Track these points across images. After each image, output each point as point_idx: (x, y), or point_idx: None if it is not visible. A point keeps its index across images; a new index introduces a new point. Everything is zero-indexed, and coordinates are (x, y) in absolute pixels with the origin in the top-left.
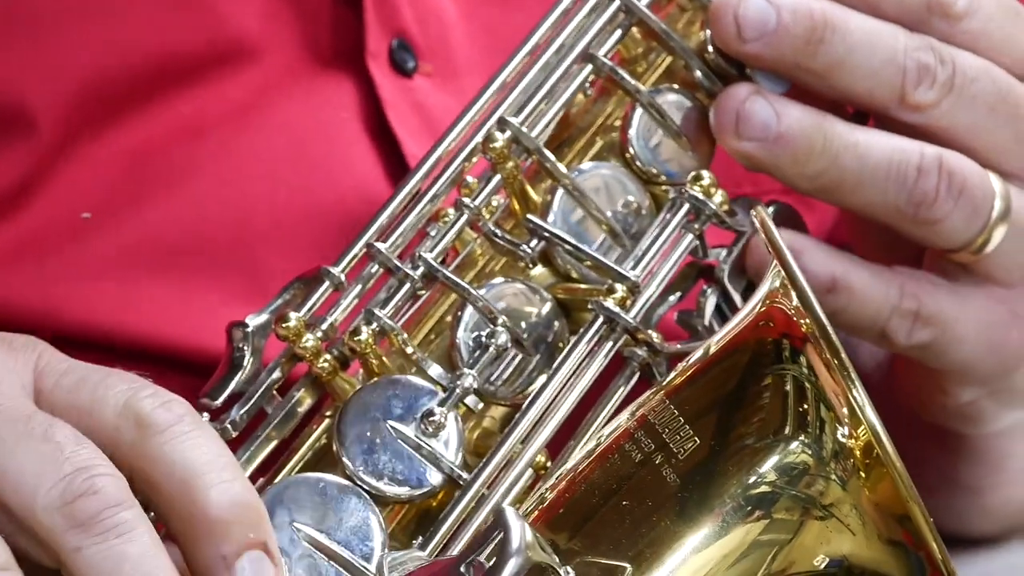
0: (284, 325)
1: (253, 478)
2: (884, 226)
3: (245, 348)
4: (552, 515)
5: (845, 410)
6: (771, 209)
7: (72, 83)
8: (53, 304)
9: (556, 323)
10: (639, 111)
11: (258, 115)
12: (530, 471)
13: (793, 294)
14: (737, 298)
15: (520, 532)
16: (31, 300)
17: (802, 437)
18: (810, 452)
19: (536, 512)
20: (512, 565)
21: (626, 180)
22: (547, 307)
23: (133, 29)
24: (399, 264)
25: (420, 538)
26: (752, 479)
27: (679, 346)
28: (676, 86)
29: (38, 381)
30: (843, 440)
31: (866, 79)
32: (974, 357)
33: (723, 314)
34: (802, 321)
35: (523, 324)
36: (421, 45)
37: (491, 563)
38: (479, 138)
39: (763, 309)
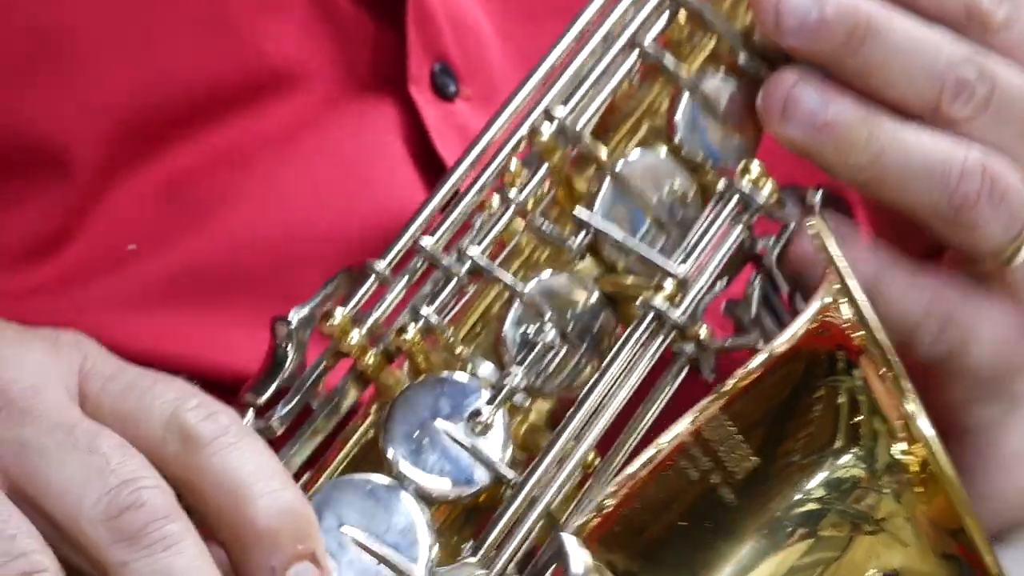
0: (329, 323)
1: (300, 472)
2: (906, 221)
3: (289, 343)
4: (607, 532)
5: (900, 423)
6: (818, 194)
7: (108, 120)
8: (94, 334)
9: (603, 316)
10: (686, 97)
11: (299, 142)
12: (580, 469)
13: (848, 306)
14: (784, 287)
15: (580, 560)
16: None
17: (855, 450)
18: (863, 466)
19: (592, 526)
20: None
21: (673, 167)
22: (594, 300)
23: (169, 61)
24: (445, 260)
25: (471, 541)
26: (807, 495)
27: (727, 343)
28: (722, 70)
29: (83, 384)
30: (897, 454)
31: (903, 85)
32: (979, 365)
33: (770, 304)
34: (857, 334)
35: (570, 317)
36: (461, 69)
37: None
38: (525, 129)
39: (817, 321)
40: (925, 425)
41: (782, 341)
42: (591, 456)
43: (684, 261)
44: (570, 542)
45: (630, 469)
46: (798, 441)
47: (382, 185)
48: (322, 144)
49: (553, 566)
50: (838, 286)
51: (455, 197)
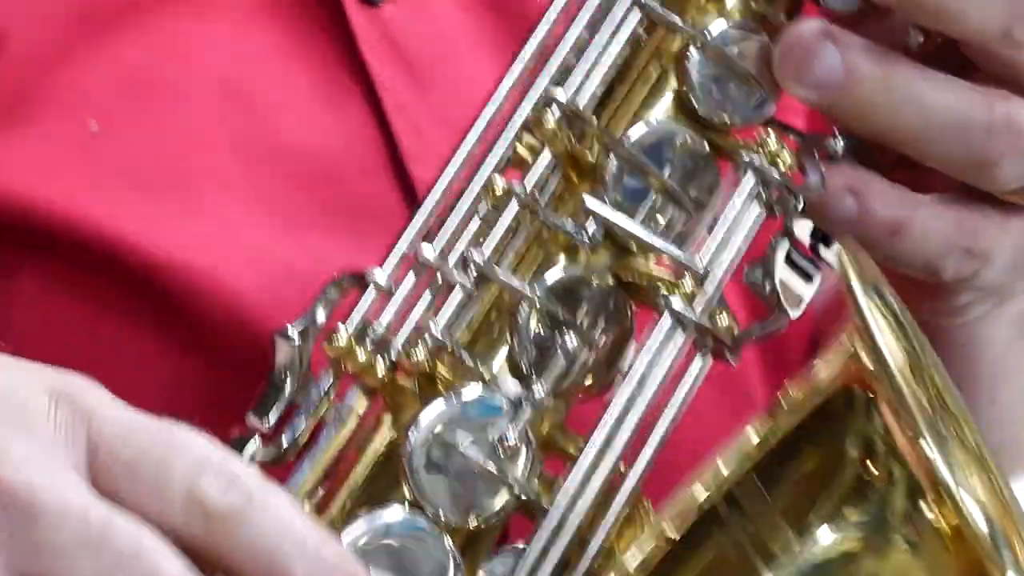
0: (334, 345)
1: (313, 492)
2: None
3: (292, 359)
4: None
5: (925, 479)
6: (841, 144)
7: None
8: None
9: (619, 305)
10: (695, 54)
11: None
12: (608, 479)
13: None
14: (807, 241)
15: None
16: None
17: (881, 513)
18: (886, 530)
19: None
20: None
21: (683, 130)
22: (609, 291)
23: None
24: (449, 268)
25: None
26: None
27: (750, 330)
28: (733, 22)
29: (92, 455)
30: (929, 516)
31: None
32: (996, 277)
33: (792, 262)
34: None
35: (586, 315)
36: None
37: None
38: (522, 116)
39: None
40: (952, 484)
41: (804, 390)
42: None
43: (699, 250)
44: None
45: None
46: (826, 509)
47: (310, 89)
48: (258, 46)
49: None
50: (859, 340)
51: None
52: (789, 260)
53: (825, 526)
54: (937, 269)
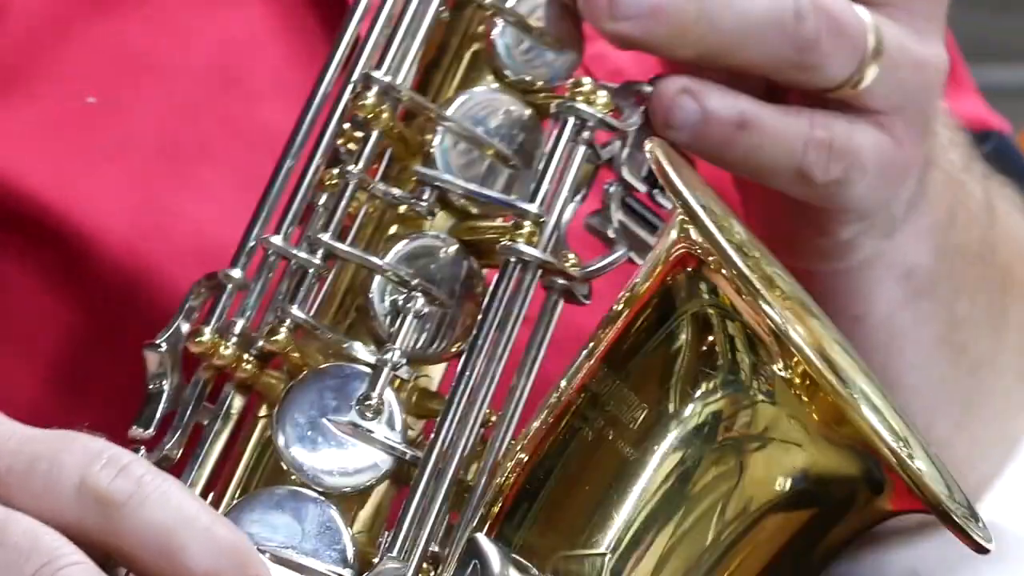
0: (198, 341)
1: (205, 492)
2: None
3: (163, 367)
4: (515, 508)
5: (770, 339)
6: (650, 88)
7: None
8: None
9: (468, 265)
10: (500, 23)
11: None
12: (479, 429)
13: (696, 231)
14: (642, 188)
15: (497, 559)
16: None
17: (730, 375)
18: (739, 387)
19: (496, 511)
20: None
21: (503, 97)
22: (455, 252)
23: None
24: (297, 253)
25: (386, 533)
26: (694, 430)
27: (595, 266)
28: None
29: None
30: (777, 370)
31: None
32: (870, 188)
33: (630, 208)
34: (711, 258)
35: (436, 277)
36: None
37: None
38: (346, 98)
39: (673, 253)
40: (796, 336)
41: (643, 276)
42: (488, 412)
43: (534, 196)
44: (485, 542)
45: (526, 433)
46: (678, 378)
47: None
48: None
49: (469, 568)
50: (683, 216)
51: (294, 183)
52: (626, 206)
53: (688, 396)
54: (803, 167)
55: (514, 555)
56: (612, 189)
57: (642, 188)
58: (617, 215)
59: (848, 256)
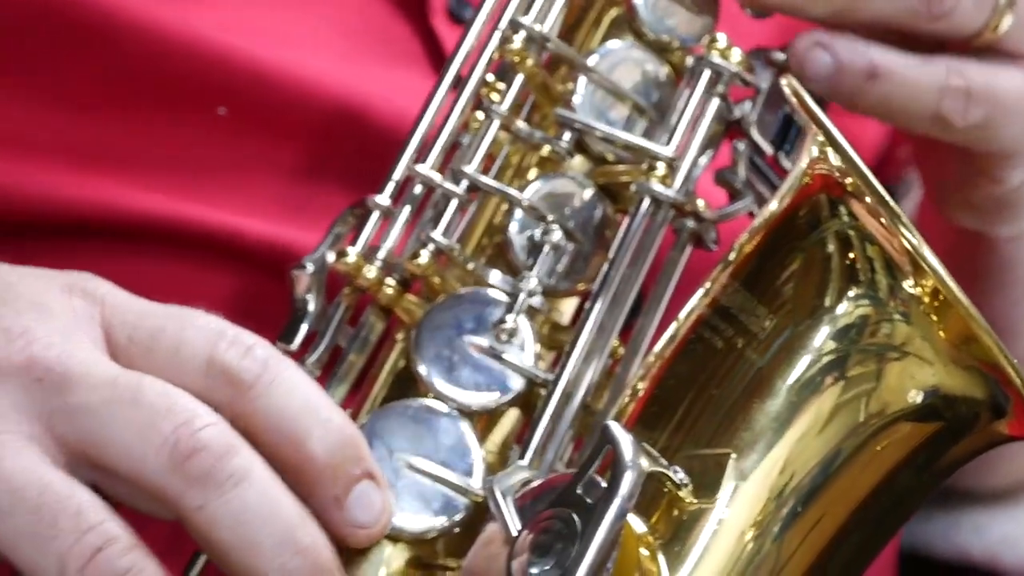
0: (344, 261)
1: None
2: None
3: (310, 288)
4: (644, 413)
5: (904, 258)
6: (785, 54)
7: None
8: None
9: (602, 208)
10: None
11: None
12: (607, 359)
13: (835, 154)
14: (768, 149)
15: (630, 445)
16: None
17: (865, 290)
18: (874, 302)
19: (629, 411)
20: (628, 479)
21: (641, 53)
22: (591, 194)
23: None
24: (442, 182)
25: (515, 447)
26: (829, 341)
27: (725, 211)
28: None
29: (109, 335)
30: (908, 287)
31: None
32: (1014, 136)
33: (757, 167)
34: (848, 180)
35: (572, 215)
36: None
37: (607, 481)
38: (495, 43)
39: (809, 175)
40: (930, 256)
41: (779, 199)
42: (615, 344)
43: (669, 141)
44: (617, 428)
45: (656, 349)
46: (809, 292)
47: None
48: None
49: (602, 453)
50: (821, 138)
51: (443, 118)
52: (752, 164)
53: (821, 309)
54: (940, 113)
55: (644, 445)
56: (741, 147)
57: (769, 150)
58: (745, 172)
59: (1016, 214)
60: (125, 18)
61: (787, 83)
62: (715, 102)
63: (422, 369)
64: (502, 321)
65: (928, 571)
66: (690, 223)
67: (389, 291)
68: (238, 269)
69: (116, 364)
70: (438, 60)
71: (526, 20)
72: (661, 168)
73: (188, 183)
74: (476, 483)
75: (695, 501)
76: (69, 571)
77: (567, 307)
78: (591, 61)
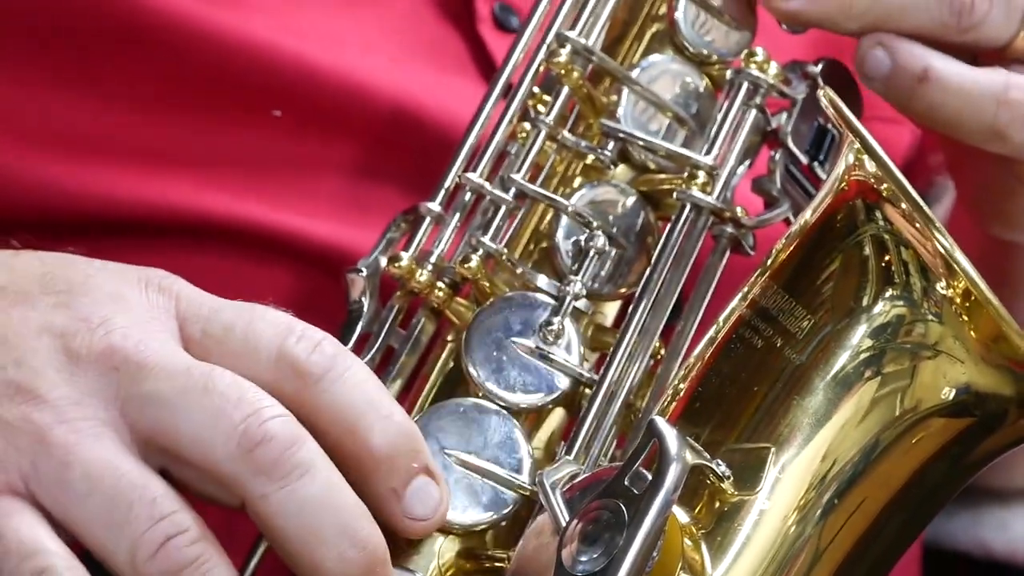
0: (397, 265)
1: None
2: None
3: (364, 291)
4: (689, 409)
5: (938, 261)
6: (819, 67)
7: None
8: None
9: (645, 214)
10: (682, 2)
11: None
12: (649, 360)
13: (871, 161)
14: (804, 159)
15: (675, 439)
16: None
17: (899, 291)
18: (908, 303)
19: (671, 409)
20: (673, 471)
21: (681, 66)
22: (633, 201)
23: None
24: (492, 189)
25: (563, 443)
26: (865, 340)
27: (762, 217)
28: None
29: (183, 328)
30: (941, 289)
31: None
32: None
33: (793, 176)
34: (883, 186)
35: (615, 222)
36: (519, 4)
37: (653, 473)
38: (542, 56)
39: (845, 181)
40: (962, 259)
41: (815, 205)
42: (657, 345)
43: (709, 151)
44: (663, 423)
45: (697, 350)
46: (847, 294)
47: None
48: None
49: (648, 447)
50: (857, 145)
51: (492, 128)
52: (788, 173)
53: (858, 310)
54: (997, 126)
55: (688, 439)
56: (778, 156)
57: (804, 159)
58: (781, 181)
59: None
60: (185, 23)
61: (823, 94)
62: (753, 113)
63: (472, 369)
64: (548, 323)
65: (950, 564)
66: (729, 229)
67: (440, 294)
68: (298, 268)
69: (190, 357)
70: (485, 66)
71: (572, 34)
72: (701, 176)
73: (249, 183)
74: (525, 478)
75: (736, 493)
76: (140, 557)
77: (611, 310)
78: (634, 74)
